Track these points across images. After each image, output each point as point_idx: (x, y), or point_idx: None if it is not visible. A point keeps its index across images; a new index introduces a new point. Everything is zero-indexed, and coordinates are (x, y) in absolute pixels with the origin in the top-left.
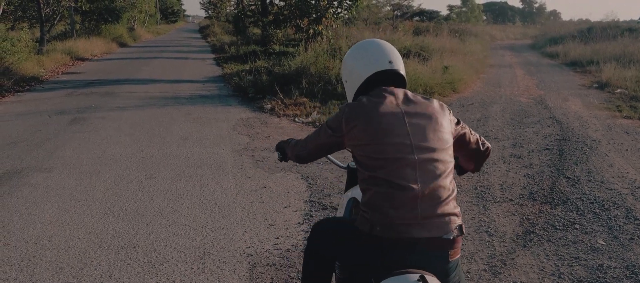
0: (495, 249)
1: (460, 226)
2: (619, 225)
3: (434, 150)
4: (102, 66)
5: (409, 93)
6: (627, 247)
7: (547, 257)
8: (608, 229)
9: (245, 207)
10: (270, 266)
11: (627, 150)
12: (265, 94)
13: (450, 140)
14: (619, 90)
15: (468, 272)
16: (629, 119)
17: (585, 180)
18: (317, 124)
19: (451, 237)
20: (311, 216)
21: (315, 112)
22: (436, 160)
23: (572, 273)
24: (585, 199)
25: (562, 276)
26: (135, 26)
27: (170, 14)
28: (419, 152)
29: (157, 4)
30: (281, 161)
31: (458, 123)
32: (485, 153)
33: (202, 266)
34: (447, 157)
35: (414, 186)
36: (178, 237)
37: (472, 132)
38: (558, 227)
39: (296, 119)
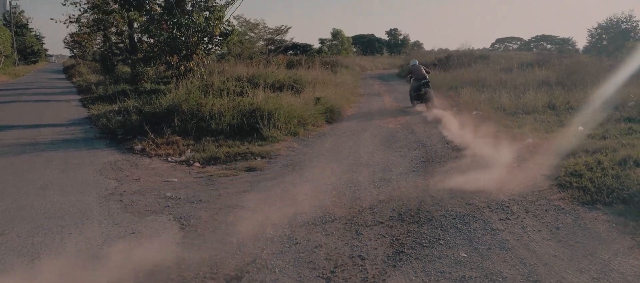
0: (367, 272)
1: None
2: (478, 237)
3: (425, 72)
4: None
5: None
6: (485, 256)
7: (415, 275)
8: (469, 242)
9: (112, 256)
10: None
11: (482, 165)
12: (136, 134)
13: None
14: (474, 113)
15: None
16: (482, 138)
17: (447, 197)
18: (191, 162)
19: (426, 80)
20: (184, 259)
21: (189, 150)
22: (425, 73)
23: None
24: (448, 216)
25: None
26: None
27: (30, 54)
28: (421, 72)
29: (13, 43)
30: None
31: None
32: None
33: None
34: (425, 73)
35: (419, 76)
36: None
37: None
38: (425, 244)
39: (169, 159)
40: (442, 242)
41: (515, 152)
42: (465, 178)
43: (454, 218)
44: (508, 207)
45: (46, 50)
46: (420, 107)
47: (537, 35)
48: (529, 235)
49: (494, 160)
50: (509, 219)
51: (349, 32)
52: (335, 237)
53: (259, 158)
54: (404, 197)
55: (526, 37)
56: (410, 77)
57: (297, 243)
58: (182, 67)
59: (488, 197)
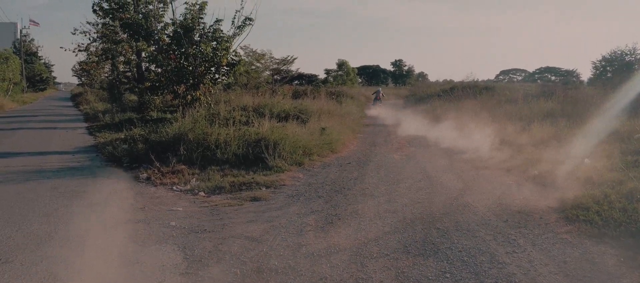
0: None
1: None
2: (485, 271)
3: (381, 95)
4: None
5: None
6: None
7: None
8: (475, 275)
9: None
10: None
11: (488, 198)
12: (141, 162)
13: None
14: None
15: None
16: (487, 169)
17: (453, 229)
18: (196, 191)
19: (379, 99)
20: None
21: (194, 179)
22: (381, 97)
23: None
24: (454, 248)
25: None
26: None
27: (39, 81)
28: (379, 95)
29: (22, 71)
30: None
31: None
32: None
33: None
34: (381, 97)
35: (377, 96)
36: None
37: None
38: (431, 277)
39: (174, 188)
40: (448, 275)
41: (520, 184)
42: (470, 210)
43: (460, 251)
44: (514, 240)
45: (55, 77)
46: (374, 110)
47: (542, 67)
48: (536, 269)
49: (499, 193)
50: (516, 252)
51: (354, 62)
52: (340, 269)
53: (264, 189)
54: (409, 228)
55: (530, 69)
56: (374, 94)
57: (302, 274)
58: (189, 97)
59: (494, 230)
